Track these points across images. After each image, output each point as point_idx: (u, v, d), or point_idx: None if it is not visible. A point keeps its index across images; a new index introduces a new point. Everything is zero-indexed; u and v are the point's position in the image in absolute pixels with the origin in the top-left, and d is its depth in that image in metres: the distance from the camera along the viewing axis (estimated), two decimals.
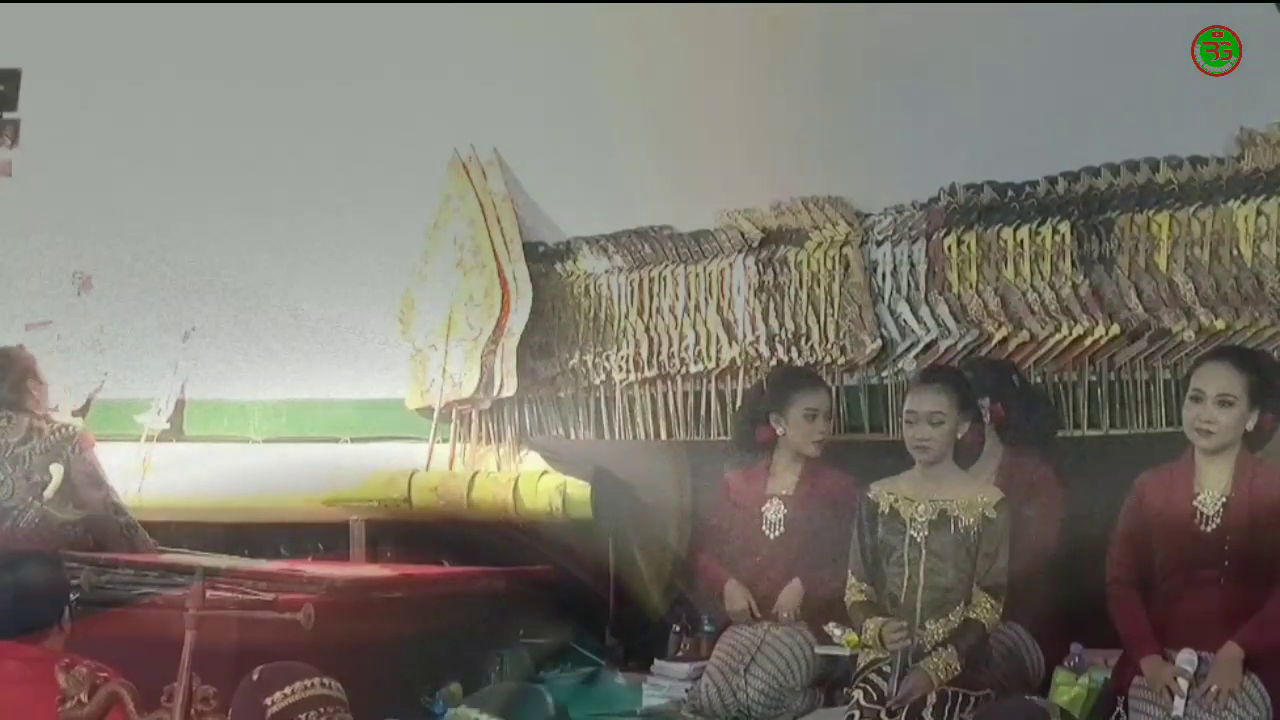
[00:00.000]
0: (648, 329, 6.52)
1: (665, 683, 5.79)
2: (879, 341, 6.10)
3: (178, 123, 6.95)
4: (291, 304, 7.01)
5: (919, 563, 5.09)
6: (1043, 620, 5.38)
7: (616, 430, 6.57)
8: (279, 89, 6.78)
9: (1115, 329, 5.74)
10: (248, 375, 7.13)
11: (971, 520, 5.07)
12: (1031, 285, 5.88)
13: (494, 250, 6.67)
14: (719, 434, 6.35)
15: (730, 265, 6.38)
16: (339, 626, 5.01)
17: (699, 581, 5.97)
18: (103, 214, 7.19)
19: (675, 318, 6.48)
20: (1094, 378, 5.84)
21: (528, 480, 6.48)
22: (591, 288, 6.65)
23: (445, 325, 6.73)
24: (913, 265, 6.09)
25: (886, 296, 6.13)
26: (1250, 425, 4.86)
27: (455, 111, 6.68)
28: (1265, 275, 5.57)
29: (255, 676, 4.04)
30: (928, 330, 6.04)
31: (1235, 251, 5.63)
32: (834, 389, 6.08)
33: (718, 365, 6.37)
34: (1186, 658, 4.74)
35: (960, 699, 4.90)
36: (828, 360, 6.17)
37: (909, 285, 6.10)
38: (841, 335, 6.16)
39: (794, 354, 6.23)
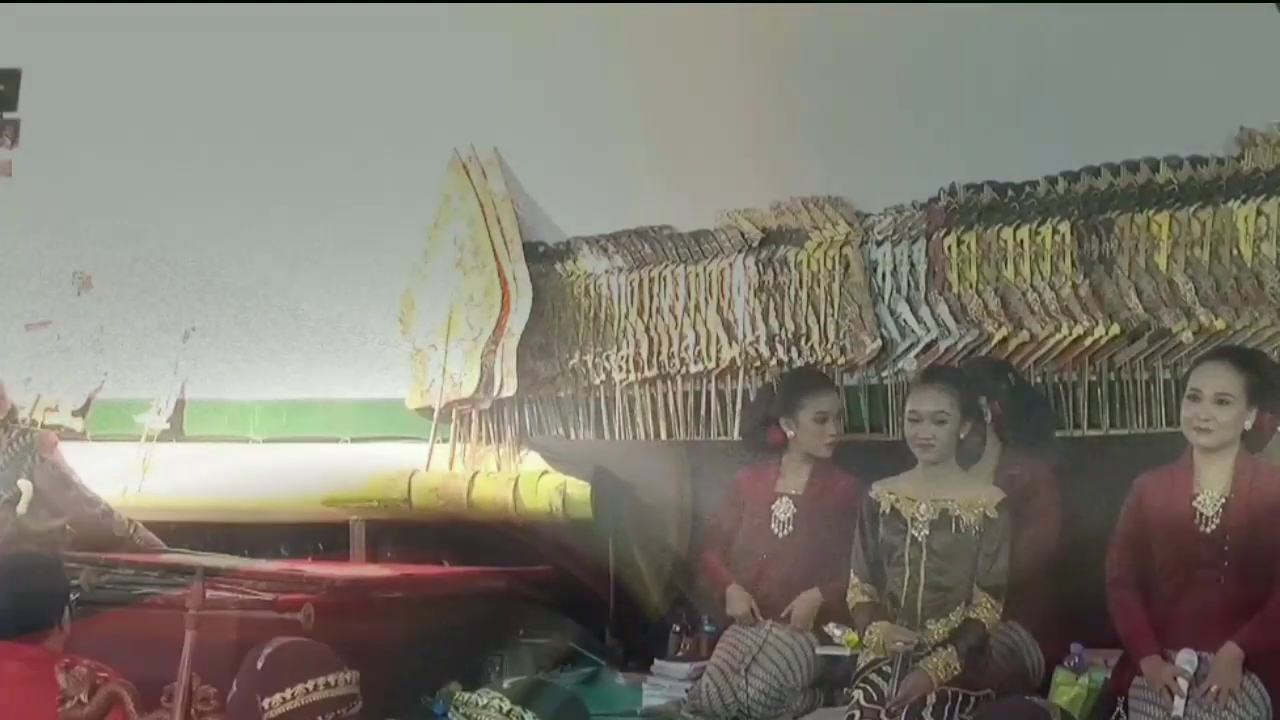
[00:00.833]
0: (648, 329, 6.52)
1: (665, 683, 5.79)
2: (879, 341, 6.09)
3: (178, 123, 6.95)
4: (291, 304, 7.00)
5: (920, 562, 5.10)
6: (1043, 620, 5.38)
7: (616, 430, 6.57)
8: (279, 89, 6.77)
9: (1115, 329, 5.74)
10: (248, 375, 7.12)
11: (973, 520, 5.08)
12: (1031, 285, 5.88)
13: (494, 250, 6.66)
14: (719, 434, 6.35)
15: (730, 265, 6.37)
16: (339, 626, 5.02)
17: (701, 579, 5.98)
18: (103, 214, 7.19)
19: (675, 318, 6.47)
20: (1094, 378, 5.83)
21: (528, 480, 6.48)
22: (591, 288, 6.65)
23: (445, 325, 6.73)
24: (913, 265, 6.09)
25: (886, 296, 6.13)
26: (1248, 424, 4.86)
27: (455, 111, 6.67)
28: (1265, 275, 5.57)
29: (259, 664, 3.97)
30: (928, 330, 6.03)
31: (1235, 251, 5.63)
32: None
33: (718, 365, 6.36)
34: (1186, 658, 4.75)
35: (960, 699, 4.91)
36: (828, 360, 6.17)
37: (909, 285, 6.10)
38: (841, 335, 6.16)
39: (794, 354, 6.22)
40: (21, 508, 6.00)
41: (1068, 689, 5.11)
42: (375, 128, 6.68)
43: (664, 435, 6.49)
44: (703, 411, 6.41)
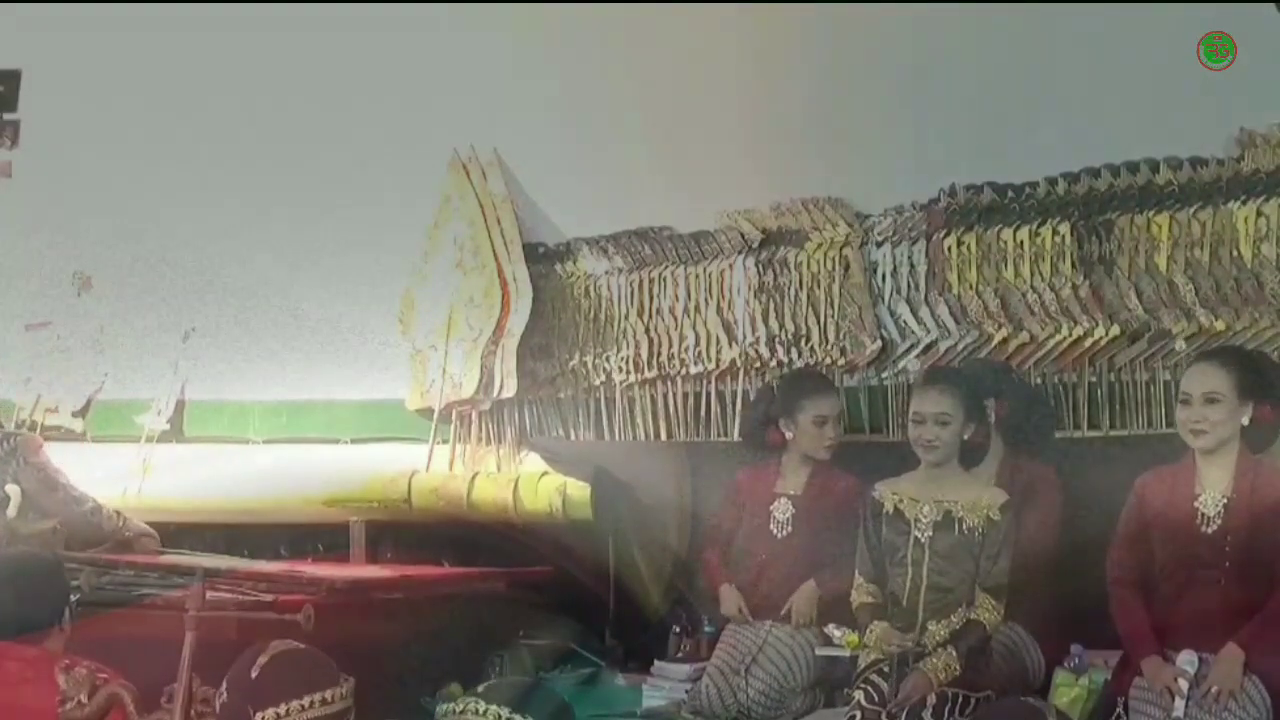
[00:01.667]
0: (648, 330, 6.52)
1: (665, 683, 5.79)
2: (879, 342, 6.09)
3: (178, 123, 6.95)
4: (291, 304, 7.00)
5: (923, 563, 5.10)
6: (1043, 621, 5.38)
7: (616, 431, 6.57)
8: (279, 89, 6.77)
9: (1115, 330, 5.73)
10: (248, 375, 7.12)
11: (976, 521, 5.07)
12: (1031, 286, 5.88)
13: (494, 251, 6.66)
14: (719, 435, 6.35)
15: (730, 266, 6.37)
16: (339, 627, 5.01)
17: (700, 578, 5.97)
18: (103, 214, 7.19)
19: (675, 319, 6.47)
20: (1094, 379, 5.83)
21: (528, 481, 6.48)
22: (591, 289, 6.65)
23: (445, 326, 6.73)
24: (913, 266, 6.09)
25: (886, 297, 6.13)
26: (1245, 419, 4.86)
27: (455, 111, 6.67)
28: (1265, 276, 5.57)
29: (254, 673, 3.92)
30: (928, 331, 6.03)
31: (1235, 252, 5.62)
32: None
33: (718, 366, 6.36)
34: (1187, 658, 4.74)
35: (960, 700, 4.91)
36: (828, 361, 6.17)
37: (909, 286, 6.09)
38: (841, 336, 6.16)
39: (794, 355, 6.22)
40: (11, 511, 5.99)
41: (1068, 690, 5.11)
42: (375, 128, 6.68)
43: (664, 436, 6.49)
44: (703, 412, 6.41)
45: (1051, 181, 5.90)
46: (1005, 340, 5.88)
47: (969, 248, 5.99)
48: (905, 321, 6.08)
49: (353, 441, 6.99)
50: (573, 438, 6.67)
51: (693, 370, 6.42)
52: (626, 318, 6.57)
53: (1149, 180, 5.76)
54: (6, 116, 6.73)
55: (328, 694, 3.88)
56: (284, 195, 6.93)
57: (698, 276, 6.43)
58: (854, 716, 4.90)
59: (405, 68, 6.61)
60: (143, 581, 5.56)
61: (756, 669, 5.53)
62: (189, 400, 7.22)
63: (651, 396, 6.51)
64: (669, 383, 6.49)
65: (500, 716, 3.74)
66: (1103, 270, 5.80)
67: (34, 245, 7.29)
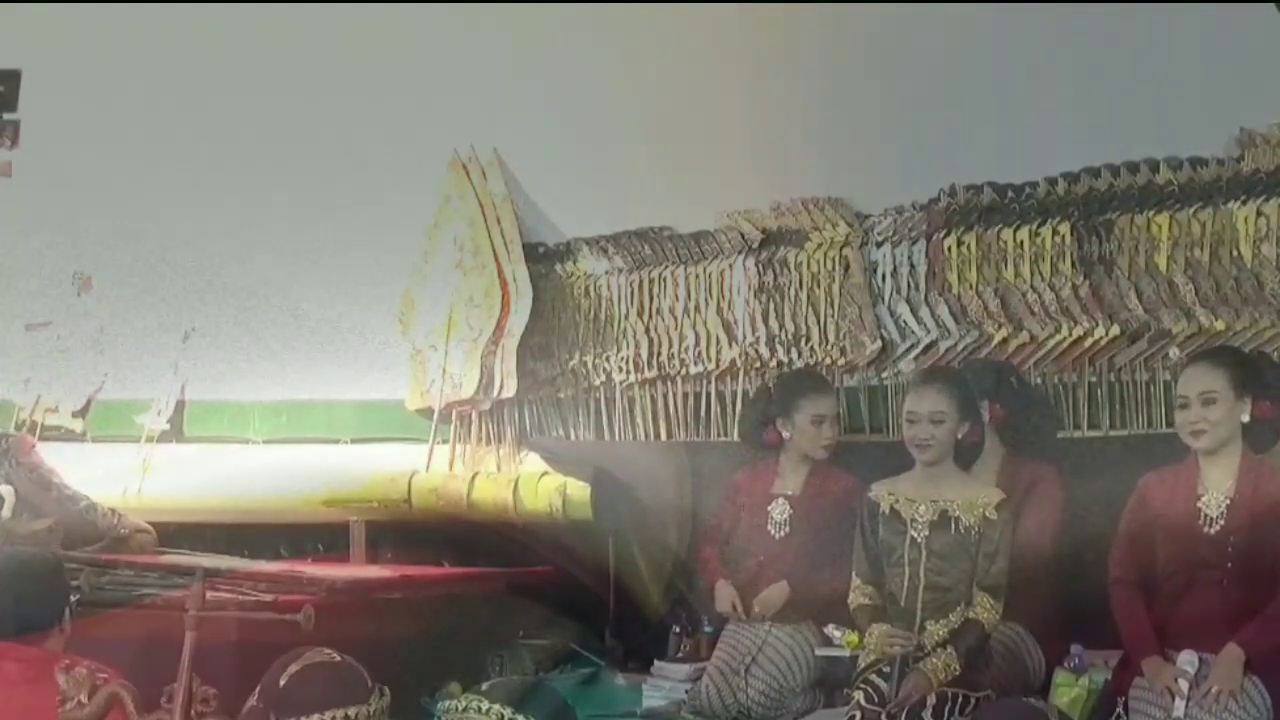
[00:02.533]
0: (648, 330, 6.52)
1: (665, 683, 5.79)
2: (879, 343, 6.09)
3: (178, 123, 6.95)
4: (291, 304, 7.00)
5: (920, 563, 5.10)
6: (1043, 621, 5.38)
7: (616, 431, 6.57)
8: (279, 89, 6.77)
9: (1115, 330, 5.73)
10: (248, 375, 7.12)
11: (972, 520, 5.08)
12: (1031, 286, 5.88)
13: (494, 251, 6.66)
14: (719, 435, 6.35)
15: (730, 266, 6.37)
16: (339, 627, 5.01)
17: (700, 577, 5.97)
18: (103, 214, 7.19)
19: (675, 319, 6.47)
20: (1094, 379, 5.83)
21: (528, 481, 6.48)
22: (591, 289, 6.65)
23: (445, 326, 6.73)
24: (913, 266, 6.09)
25: (886, 297, 6.13)
26: (1245, 417, 4.86)
27: (455, 111, 6.67)
28: (1265, 276, 5.56)
29: (282, 682, 3.82)
30: (928, 331, 6.03)
31: (1235, 252, 5.62)
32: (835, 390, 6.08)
33: (718, 366, 6.36)
34: (1187, 659, 4.74)
35: (960, 700, 4.90)
36: (828, 361, 6.17)
37: (909, 286, 6.09)
38: (841, 336, 6.16)
39: (794, 355, 6.22)
40: (5, 513, 5.99)
41: (1068, 690, 5.11)
42: (375, 128, 6.68)
43: (664, 436, 6.49)
44: (703, 412, 6.41)
45: (1051, 181, 5.90)
46: (1005, 340, 5.88)
47: (969, 248, 5.99)
48: (905, 321, 6.08)
49: (353, 441, 6.99)
50: (573, 438, 6.67)
51: (693, 370, 6.42)
52: (626, 318, 6.57)
53: (1149, 180, 5.75)
54: (6, 116, 6.72)
55: (352, 711, 3.82)
56: (284, 195, 6.93)
57: (698, 276, 6.43)
58: (854, 716, 4.90)
59: (405, 68, 6.62)
60: (143, 581, 5.56)
61: (756, 669, 5.53)
62: (189, 400, 7.22)
63: (651, 396, 6.51)
64: (669, 383, 6.49)
65: (503, 716, 3.73)
66: (1103, 270, 5.80)
67: (34, 245, 7.29)
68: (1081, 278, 5.81)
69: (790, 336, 6.25)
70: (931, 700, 4.86)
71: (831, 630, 5.32)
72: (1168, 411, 5.58)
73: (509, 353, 6.59)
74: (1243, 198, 5.61)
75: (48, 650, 4.30)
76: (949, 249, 6.01)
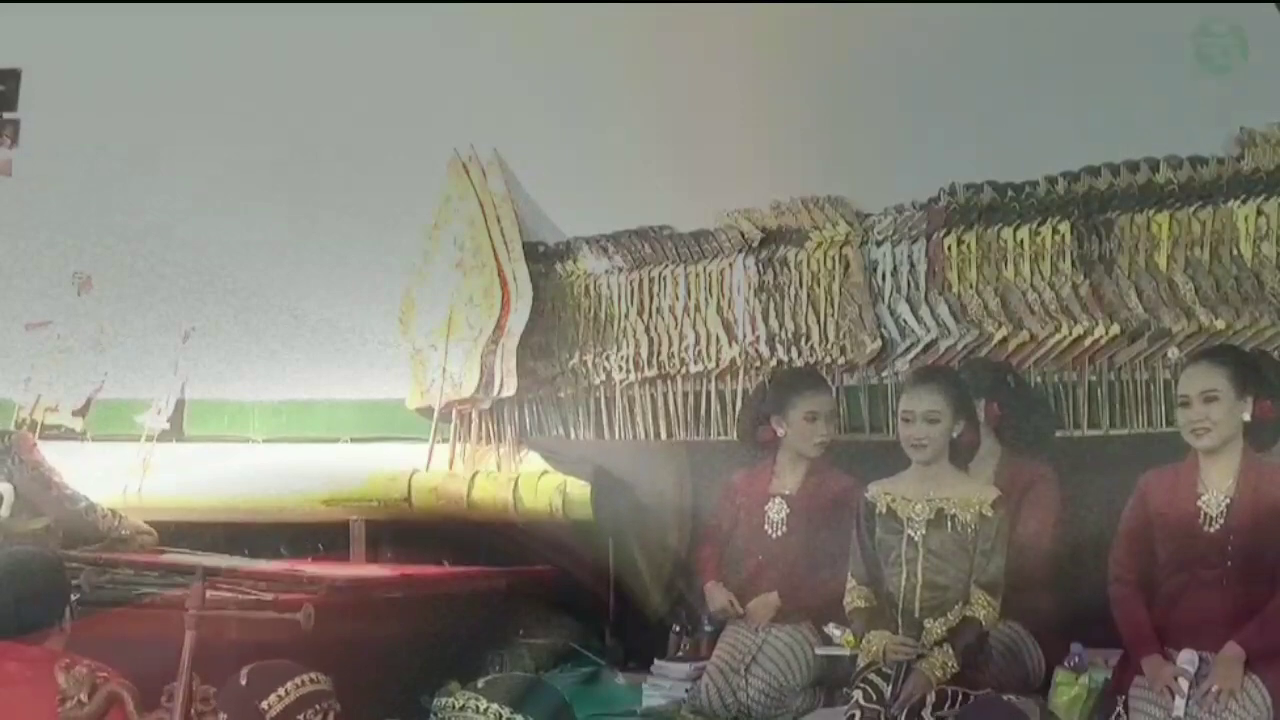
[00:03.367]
0: (648, 329, 6.52)
1: (665, 683, 5.79)
2: (879, 342, 6.09)
3: (178, 123, 6.95)
4: (291, 304, 7.00)
5: (917, 562, 5.10)
6: (1043, 620, 5.37)
7: (616, 430, 6.57)
8: (279, 89, 6.77)
9: (1115, 329, 5.74)
10: (248, 375, 7.12)
11: (969, 519, 5.07)
12: (1031, 285, 5.88)
13: (494, 250, 6.66)
14: (719, 434, 6.35)
15: (730, 265, 6.38)
16: (339, 627, 5.01)
17: (699, 577, 5.97)
18: (103, 214, 7.19)
19: (675, 318, 6.48)
20: (1094, 378, 5.83)
21: (528, 480, 6.48)
22: (591, 288, 6.65)
23: (445, 325, 6.73)
24: (913, 265, 6.09)
25: (886, 296, 6.13)
26: (1246, 415, 4.86)
27: (455, 111, 6.68)
28: (1265, 275, 5.57)
29: (243, 681, 4.04)
30: (928, 330, 6.03)
31: (1235, 251, 5.63)
32: (834, 389, 6.08)
33: (718, 365, 6.37)
34: (1187, 658, 4.74)
35: (960, 698, 4.90)
36: (828, 360, 6.17)
37: (909, 285, 6.10)
38: (841, 335, 6.16)
39: (794, 354, 6.23)
40: (4, 510, 5.99)
41: (1068, 689, 5.11)
42: (375, 128, 6.68)
43: (664, 435, 6.50)
44: (703, 411, 6.41)
45: (1051, 181, 5.90)
46: (1005, 339, 5.89)
47: (969, 247, 5.99)
48: (905, 320, 6.08)
49: (353, 441, 6.99)
50: (572, 437, 6.67)
51: (693, 369, 6.42)
52: (626, 317, 6.57)
53: (1149, 179, 5.76)
54: (6, 116, 6.73)
55: (313, 675, 4.02)
56: (284, 195, 6.93)
57: (698, 275, 6.44)
58: (854, 716, 4.90)
59: (405, 68, 6.61)
60: (143, 581, 5.55)
61: (756, 668, 5.53)
62: (189, 400, 7.22)
63: (651, 395, 6.52)
64: (669, 382, 6.49)
65: (500, 716, 3.75)
66: (1103, 269, 5.81)
67: (34, 245, 7.29)
68: (1081, 277, 5.82)
69: (790, 335, 6.26)
70: (931, 698, 4.86)
71: (831, 629, 5.32)
72: (1168, 411, 5.58)
73: (509, 352, 6.59)
74: (1243, 197, 5.61)
75: (48, 649, 4.31)
76: (949, 248, 6.01)
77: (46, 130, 6.91)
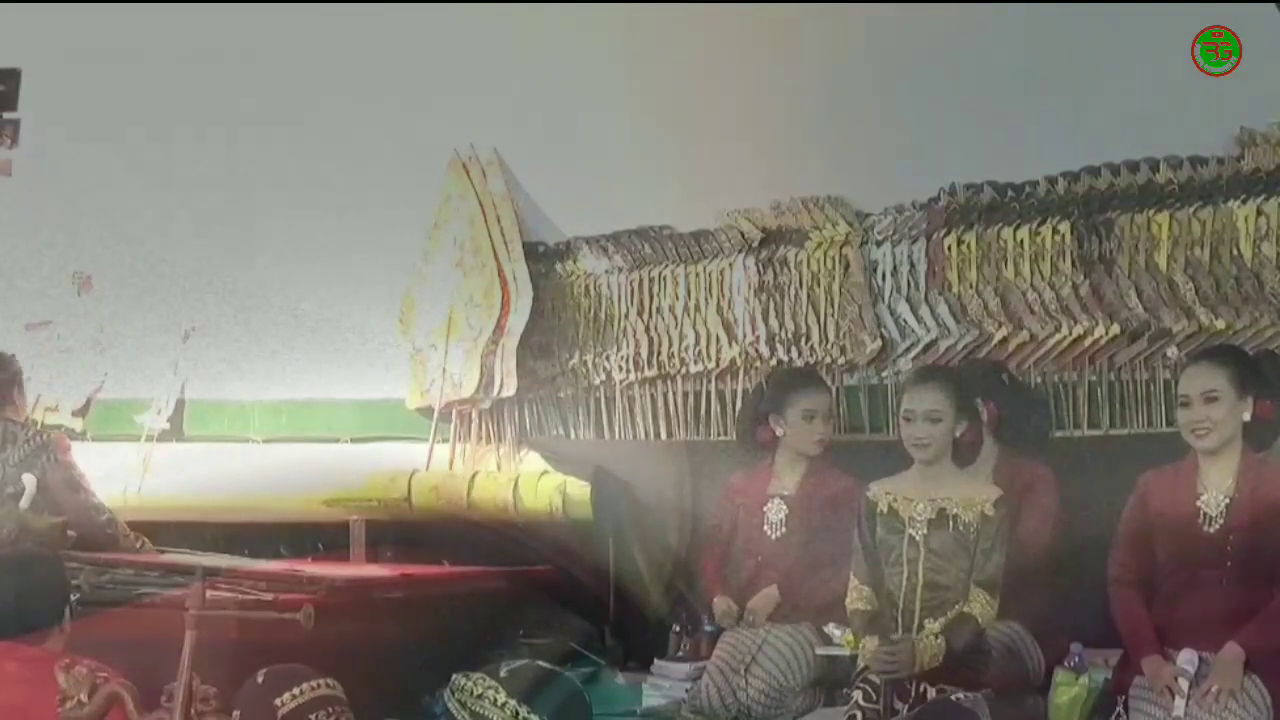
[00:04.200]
0: (648, 329, 6.52)
1: (665, 683, 5.78)
2: (879, 341, 6.10)
3: (178, 123, 6.95)
4: (291, 304, 7.01)
5: (918, 562, 5.09)
6: (1043, 620, 5.37)
7: (616, 430, 6.57)
8: (279, 89, 6.77)
9: (1115, 329, 5.74)
10: (248, 375, 7.13)
11: (971, 518, 5.07)
12: (1031, 285, 5.88)
13: (494, 250, 6.67)
14: (719, 434, 6.35)
15: (730, 265, 6.38)
16: (339, 627, 5.01)
17: (700, 579, 5.97)
18: (103, 214, 7.20)
19: (675, 318, 6.48)
20: (1094, 378, 5.83)
21: (528, 480, 6.48)
22: (591, 288, 6.66)
23: (445, 325, 6.73)
24: (913, 265, 6.09)
25: (886, 296, 6.13)
26: (1246, 416, 4.86)
27: (455, 111, 6.68)
28: (1265, 275, 5.57)
29: (260, 680, 4.08)
30: (928, 330, 6.04)
31: (1235, 251, 5.63)
32: (834, 389, 6.08)
33: (718, 365, 6.37)
34: (1187, 658, 4.74)
35: (960, 698, 4.89)
36: (828, 360, 6.17)
37: (909, 285, 6.10)
38: (841, 335, 6.16)
39: (794, 354, 6.23)
40: (24, 503, 6.00)
41: (1068, 689, 5.10)
42: (375, 128, 6.68)
43: (664, 435, 6.50)
44: (703, 411, 6.42)
45: (1051, 181, 5.90)
46: (1005, 339, 5.89)
47: (969, 247, 5.99)
48: (905, 320, 6.09)
49: (353, 441, 6.99)
50: (572, 437, 6.68)
51: (693, 369, 6.42)
52: (626, 316, 6.57)
53: (1149, 179, 5.76)
54: (6, 116, 6.72)
55: (329, 680, 4.14)
56: (284, 195, 6.93)
57: (698, 275, 6.44)
58: (853, 716, 4.90)
59: (405, 67, 6.61)
60: (143, 581, 5.55)
61: (756, 668, 5.52)
62: (189, 400, 7.22)
63: (651, 395, 6.52)
64: (669, 382, 6.49)
65: (518, 713, 3.75)
66: (1103, 269, 5.81)
67: (34, 245, 7.29)
68: (1081, 277, 5.82)
69: (790, 335, 6.26)
70: (931, 696, 4.85)
71: (831, 629, 5.32)
72: (1168, 411, 5.58)
73: (509, 352, 6.60)
74: (1243, 197, 5.61)
75: (48, 649, 4.31)
76: (949, 248, 6.01)
77: (46, 130, 6.90)
